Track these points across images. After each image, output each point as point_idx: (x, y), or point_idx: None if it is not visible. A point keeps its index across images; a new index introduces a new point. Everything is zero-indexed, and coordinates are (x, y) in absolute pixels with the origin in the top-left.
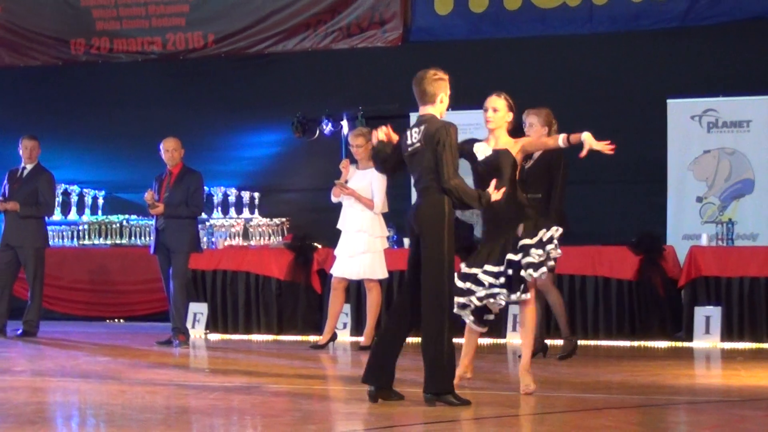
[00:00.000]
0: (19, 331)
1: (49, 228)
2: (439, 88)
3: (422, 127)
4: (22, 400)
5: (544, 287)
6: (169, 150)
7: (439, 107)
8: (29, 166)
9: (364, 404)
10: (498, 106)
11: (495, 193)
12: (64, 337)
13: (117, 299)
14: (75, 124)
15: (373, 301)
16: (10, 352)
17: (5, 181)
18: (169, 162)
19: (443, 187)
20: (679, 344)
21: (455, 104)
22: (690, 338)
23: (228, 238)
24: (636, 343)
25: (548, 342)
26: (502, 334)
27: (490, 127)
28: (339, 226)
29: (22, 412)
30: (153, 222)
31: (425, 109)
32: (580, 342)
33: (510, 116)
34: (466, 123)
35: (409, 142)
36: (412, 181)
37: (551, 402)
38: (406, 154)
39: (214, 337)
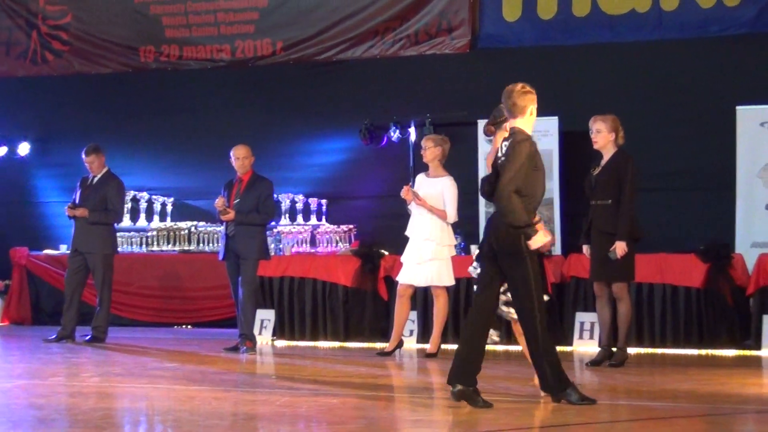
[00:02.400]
0: (88, 337)
1: (117, 234)
2: (529, 101)
3: (510, 141)
4: (91, 406)
5: (619, 294)
6: (240, 158)
7: (529, 119)
8: (99, 174)
9: (430, 411)
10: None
11: (539, 237)
12: (132, 343)
13: (185, 305)
14: (144, 131)
15: (440, 308)
16: (79, 358)
17: (77, 188)
18: (239, 169)
19: (496, 194)
20: (748, 353)
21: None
22: (758, 347)
23: (295, 245)
24: (703, 352)
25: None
26: (569, 342)
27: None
28: (407, 232)
29: (90, 417)
30: (221, 229)
31: (514, 122)
32: (648, 350)
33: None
34: (534, 130)
35: (499, 153)
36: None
37: (618, 410)
38: (497, 164)
39: (281, 343)
